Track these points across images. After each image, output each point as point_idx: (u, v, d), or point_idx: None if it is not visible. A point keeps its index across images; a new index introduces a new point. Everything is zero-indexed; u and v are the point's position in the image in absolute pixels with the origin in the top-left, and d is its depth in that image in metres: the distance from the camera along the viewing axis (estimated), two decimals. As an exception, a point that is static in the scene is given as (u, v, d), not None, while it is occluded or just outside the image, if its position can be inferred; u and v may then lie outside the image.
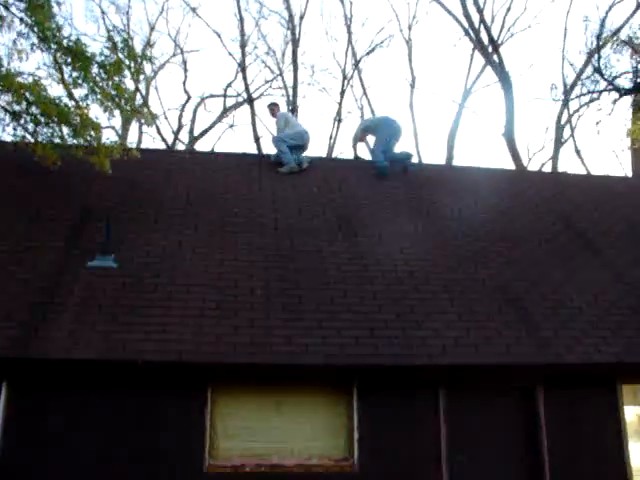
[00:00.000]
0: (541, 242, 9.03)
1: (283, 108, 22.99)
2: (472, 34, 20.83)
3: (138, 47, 23.09)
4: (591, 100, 17.81)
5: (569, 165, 31.20)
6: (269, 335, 6.44)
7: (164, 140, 23.66)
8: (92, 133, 7.87)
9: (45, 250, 7.48)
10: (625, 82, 11.13)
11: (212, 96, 25.34)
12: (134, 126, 22.57)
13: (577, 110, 21.52)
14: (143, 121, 10.70)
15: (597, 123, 18.45)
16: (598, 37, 12.34)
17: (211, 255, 7.64)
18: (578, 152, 21.16)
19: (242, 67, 23.56)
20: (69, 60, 7.37)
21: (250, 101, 23.88)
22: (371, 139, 11.28)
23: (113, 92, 7.49)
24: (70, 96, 8.01)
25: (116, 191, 8.83)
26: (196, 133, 24.63)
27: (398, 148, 11.15)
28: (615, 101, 12.11)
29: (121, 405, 6.14)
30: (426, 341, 6.71)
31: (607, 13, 15.73)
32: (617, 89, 11.07)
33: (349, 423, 6.40)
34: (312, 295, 7.11)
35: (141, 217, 8.34)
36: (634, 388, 7.26)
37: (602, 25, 13.48)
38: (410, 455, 6.41)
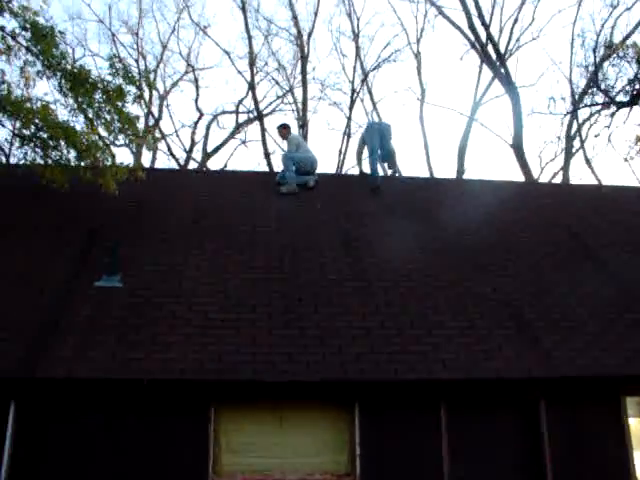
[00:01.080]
0: (545, 254, 9.07)
1: (293, 125, 23.26)
2: (478, 47, 20.94)
3: (151, 66, 23.50)
4: (591, 114, 17.86)
5: (581, 175, 31.08)
6: (270, 352, 6.53)
7: (175, 158, 23.98)
8: (98, 155, 8.05)
9: (53, 270, 7.65)
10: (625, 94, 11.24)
11: (224, 112, 25.65)
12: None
13: (587, 120, 21.47)
14: (145, 146, 10.87)
15: (596, 136, 18.46)
16: (594, 50, 12.42)
17: (215, 273, 7.77)
18: (588, 162, 21.13)
19: (251, 85, 23.84)
20: (74, 86, 7.58)
21: (260, 118, 24.13)
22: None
23: (116, 117, 7.72)
24: (76, 120, 8.22)
25: (123, 211, 9.00)
26: (209, 150, 24.92)
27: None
28: (613, 114, 12.19)
29: (126, 423, 6.24)
30: (427, 356, 6.76)
31: (603, 26, 15.85)
32: (614, 102, 11.14)
33: (351, 439, 6.45)
34: (313, 311, 7.21)
35: (148, 237, 8.50)
36: (638, 400, 7.25)
37: (597, 39, 13.60)
38: (412, 471, 6.43)
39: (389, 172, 10.71)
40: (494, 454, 6.64)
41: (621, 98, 10.78)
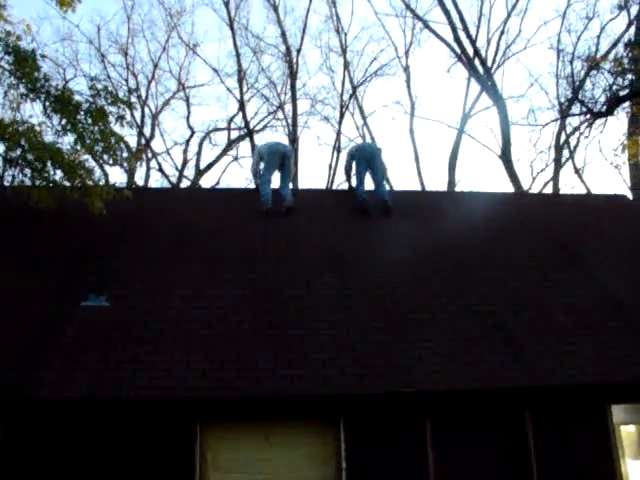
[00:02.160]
0: (530, 264, 9.13)
1: (283, 140, 23.41)
2: (465, 60, 21.14)
3: (142, 84, 23.63)
4: (580, 124, 18.09)
5: (571, 185, 31.26)
6: (255, 368, 6.57)
7: (167, 177, 24.05)
8: (83, 175, 8.12)
9: (40, 290, 7.69)
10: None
11: (216, 130, 25.77)
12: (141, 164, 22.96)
13: (576, 130, 21.63)
14: (126, 166, 10.94)
15: (575, 146, 18.73)
16: (571, 62, 12.64)
17: (201, 291, 7.81)
18: (577, 172, 21.28)
19: (241, 102, 24.00)
20: (58, 107, 7.67)
21: (251, 134, 24.26)
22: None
23: (99, 137, 7.80)
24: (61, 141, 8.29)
25: (110, 231, 9.05)
26: (201, 167, 25.00)
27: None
28: (591, 124, 12.35)
29: (112, 441, 6.25)
30: (412, 369, 6.80)
31: (579, 38, 16.12)
32: (591, 112, 11.33)
33: (337, 452, 6.48)
34: (298, 327, 7.25)
35: (134, 256, 8.55)
36: (631, 407, 7.28)
37: (574, 51, 13.81)
38: (398, 482, 6.46)
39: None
40: (480, 464, 6.66)
41: (601, 109, 10.99)
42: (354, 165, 11.14)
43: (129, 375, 6.43)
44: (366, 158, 10.85)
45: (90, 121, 7.71)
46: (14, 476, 6.06)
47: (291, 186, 10.80)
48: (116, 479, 6.14)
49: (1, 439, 6.14)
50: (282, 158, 10.57)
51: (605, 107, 10.72)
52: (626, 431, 7.17)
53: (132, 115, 10.21)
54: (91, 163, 8.52)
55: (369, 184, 10.95)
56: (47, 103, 7.74)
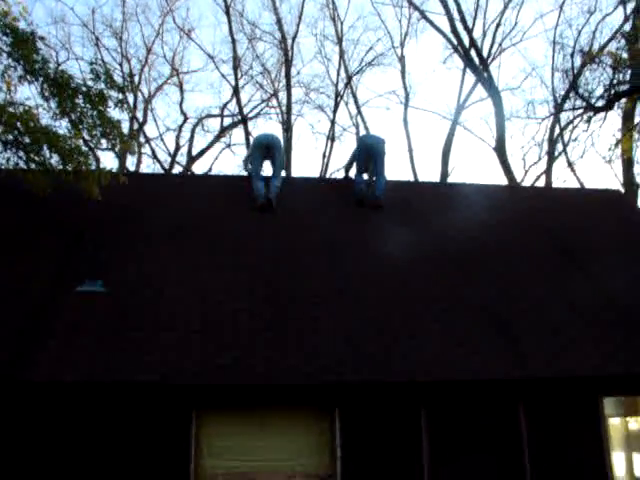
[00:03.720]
0: (525, 257, 9.19)
1: (278, 129, 23.20)
2: (461, 51, 21.09)
3: (135, 69, 23.44)
4: (574, 118, 18.10)
5: (564, 178, 31.36)
6: (252, 356, 6.59)
7: (160, 162, 23.89)
8: (80, 160, 8.05)
9: (36, 275, 7.65)
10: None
11: (209, 116, 25.58)
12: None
13: (570, 123, 21.66)
14: (128, 151, 10.84)
15: (574, 140, 18.72)
16: (572, 55, 12.63)
17: (197, 277, 7.80)
18: (570, 165, 21.32)
19: (236, 88, 23.84)
20: (56, 91, 7.59)
21: (244, 121, 24.13)
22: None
23: (98, 121, 7.73)
24: (58, 125, 8.20)
25: (106, 216, 8.99)
26: (194, 153, 24.85)
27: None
28: (590, 119, 12.40)
29: (108, 426, 6.27)
30: (407, 358, 6.84)
31: (580, 32, 16.02)
32: (591, 107, 11.33)
33: (332, 440, 6.52)
34: (295, 315, 7.27)
35: (130, 242, 8.51)
36: (616, 400, 7.38)
37: (575, 44, 13.74)
38: (393, 472, 6.51)
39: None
40: (474, 453, 6.73)
41: (599, 103, 11.01)
42: (357, 160, 10.98)
43: (125, 360, 6.43)
44: (369, 149, 10.78)
45: (89, 105, 7.63)
46: (8, 459, 6.07)
47: (284, 174, 10.64)
48: (111, 464, 6.16)
49: (-3, 424, 6.14)
50: (267, 149, 10.39)
51: (604, 102, 10.73)
52: (612, 424, 7.27)
53: (126, 100, 10.07)
54: (89, 146, 8.42)
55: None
56: (45, 86, 7.66)
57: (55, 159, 8.24)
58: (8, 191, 9.18)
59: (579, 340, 7.47)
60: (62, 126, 8.09)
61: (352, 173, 11.09)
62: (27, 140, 8.24)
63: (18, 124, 8.04)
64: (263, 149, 10.42)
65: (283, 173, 10.67)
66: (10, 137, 8.43)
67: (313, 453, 6.49)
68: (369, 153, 10.70)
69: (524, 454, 6.75)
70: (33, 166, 8.54)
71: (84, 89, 7.71)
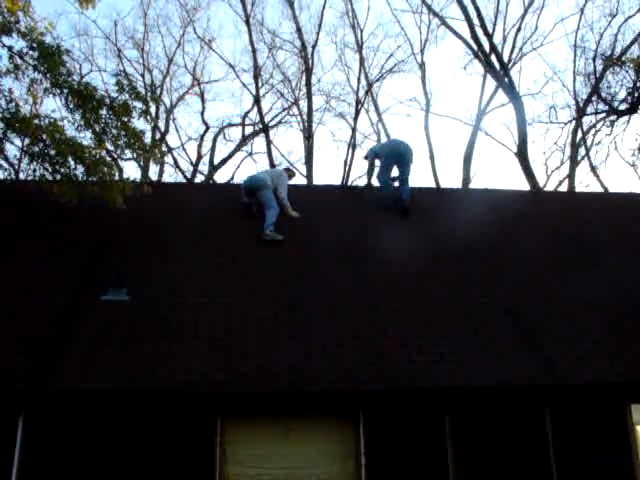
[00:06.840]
0: (548, 262, 9.11)
1: (299, 137, 23.12)
2: (482, 56, 21.00)
3: (157, 80, 23.72)
4: (596, 122, 17.91)
5: (587, 182, 31.01)
6: (276, 363, 6.60)
7: (182, 172, 24.11)
8: (105, 170, 8.17)
9: (61, 284, 7.76)
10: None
11: (231, 125, 25.77)
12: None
13: (592, 127, 21.44)
14: (152, 160, 10.97)
15: (597, 144, 18.53)
16: (594, 59, 12.49)
17: (220, 285, 7.86)
18: (594, 169, 21.11)
19: (256, 97, 23.99)
20: (81, 102, 7.73)
21: (266, 130, 24.25)
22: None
23: (122, 132, 7.84)
24: (83, 136, 8.34)
25: (130, 225, 9.11)
26: (216, 162, 25.02)
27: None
28: (613, 122, 12.24)
29: (133, 434, 6.31)
30: (431, 365, 6.81)
31: (602, 35, 15.88)
32: (614, 110, 11.20)
33: (356, 448, 6.50)
34: (319, 322, 7.28)
35: (154, 250, 8.60)
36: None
37: (597, 48, 13.62)
38: (417, 478, 6.47)
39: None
40: (499, 461, 6.66)
41: (622, 106, 10.87)
42: (382, 161, 10.94)
43: (150, 369, 6.48)
44: (399, 155, 10.74)
45: (113, 117, 7.76)
46: (36, 468, 6.14)
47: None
48: (137, 472, 6.21)
49: (23, 432, 6.21)
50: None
51: (627, 105, 10.61)
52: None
53: (149, 110, 10.20)
54: (113, 157, 8.55)
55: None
56: (70, 98, 7.80)
57: (80, 170, 8.38)
58: (35, 202, 9.33)
59: (604, 345, 7.38)
60: (87, 137, 8.24)
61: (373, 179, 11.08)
62: (52, 152, 8.38)
63: (44, 136, 8.20)
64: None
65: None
66: (36, 149, 8.59)
67: (337, 460, 6.48)
68: (398, 160, 10.67)
69: (550, 461, 6.66)
70: (58, 177, 8.69)
71: (107, 101, 7.85)
